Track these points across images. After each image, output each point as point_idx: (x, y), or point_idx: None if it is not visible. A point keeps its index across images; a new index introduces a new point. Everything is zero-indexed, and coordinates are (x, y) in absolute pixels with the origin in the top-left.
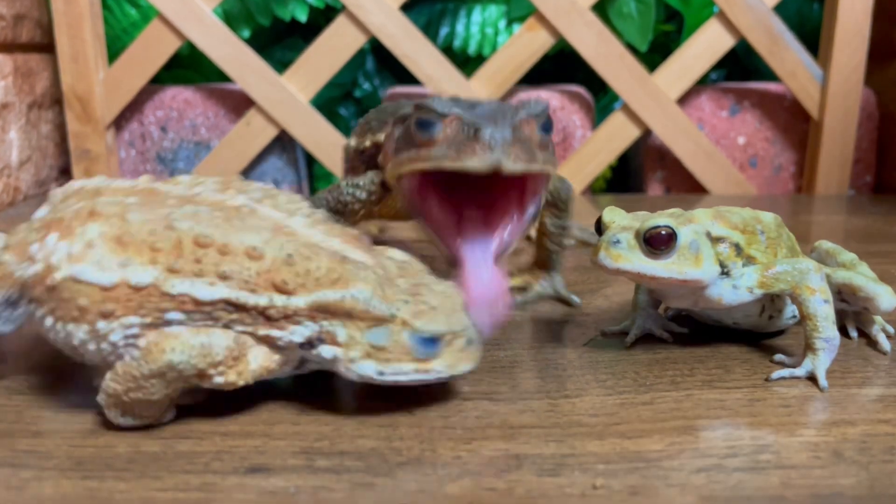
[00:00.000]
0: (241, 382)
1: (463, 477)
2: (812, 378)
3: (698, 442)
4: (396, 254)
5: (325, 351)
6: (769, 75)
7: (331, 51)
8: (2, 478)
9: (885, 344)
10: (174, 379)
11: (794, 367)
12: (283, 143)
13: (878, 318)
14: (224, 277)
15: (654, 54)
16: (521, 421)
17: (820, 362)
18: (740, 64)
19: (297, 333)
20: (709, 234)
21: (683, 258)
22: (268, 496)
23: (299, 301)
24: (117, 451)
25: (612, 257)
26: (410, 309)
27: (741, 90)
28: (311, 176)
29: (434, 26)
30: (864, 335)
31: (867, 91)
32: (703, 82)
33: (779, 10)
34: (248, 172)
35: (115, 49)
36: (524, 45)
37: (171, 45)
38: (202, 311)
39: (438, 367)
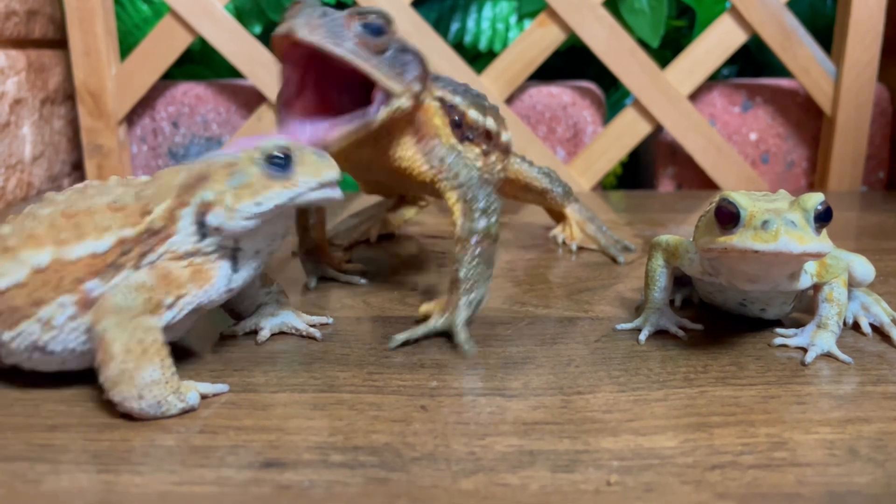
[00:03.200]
0: (203, 285)
1: (477, 472)
2: (803, 349)
3: (713, 439)
4: None
5: (212, 218)
6: (782, 71)
7: None
8: (18, 471)
9: None
10: (135, 316)
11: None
12: None
13: (887, 307)
14: (104, 229)
15: (665, 50)
16: (535, 417)
17: (828, 343)
18: (752, 59)
19: (184, 223)
20: None
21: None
22: (282, 490)
23: (166, 203)
24: (132, 445)
25: (798, 239)
26: (250, 151)
27: (753, 86)
28: None
29: (445, 22)
30: (878, 331)
31: (880, 87)
32: (714, 78)
33: (792, 5)
34: None
35: (127, 45)
36: (535, 41)
37: (182, 41)
38: (108, 267)
39: (304, 179)
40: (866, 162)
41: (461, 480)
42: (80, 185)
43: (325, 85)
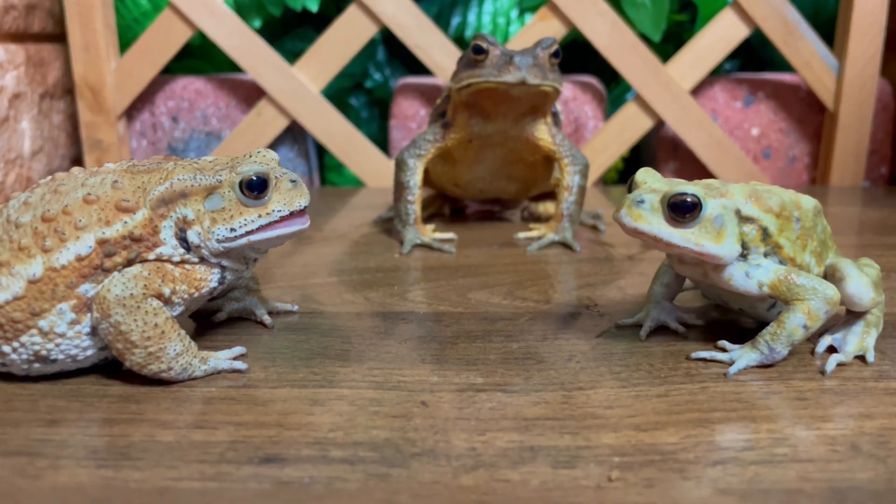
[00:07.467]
0: (196, 285)
1: (477, 468)
2: (729, 363)
3: (714, 435)
4: (209, 157)
5: (192, 236)
6: (784, 66)
7: (342, 41)
8: (18, 466)
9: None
10: (140, 302)
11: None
12: (294, 133)
13: (870, 343)
14: (81, 228)
15: (667, 44)
16: (536, 413)
17: (748, 358)
18: (755, 54)
19: (166, 235)
20: (738, 213)
21: (704, 231)
22: (282, 486)
23: (144, 211)
24: (132, 440)
25: (633, 216)
26: (229, 172)
27: (755, 81)
28: (322, 167)
29: (445, 16)
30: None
31: (883, 82)
32: (716, 73)
33: None
34: None
35: (126, 39)
36: (536, 35)
37: (182, 36)
38: (96, 270)
39: (277, 207)
40: (868, 157)
41: (461, 476)
42: (46, 180)
43: None
